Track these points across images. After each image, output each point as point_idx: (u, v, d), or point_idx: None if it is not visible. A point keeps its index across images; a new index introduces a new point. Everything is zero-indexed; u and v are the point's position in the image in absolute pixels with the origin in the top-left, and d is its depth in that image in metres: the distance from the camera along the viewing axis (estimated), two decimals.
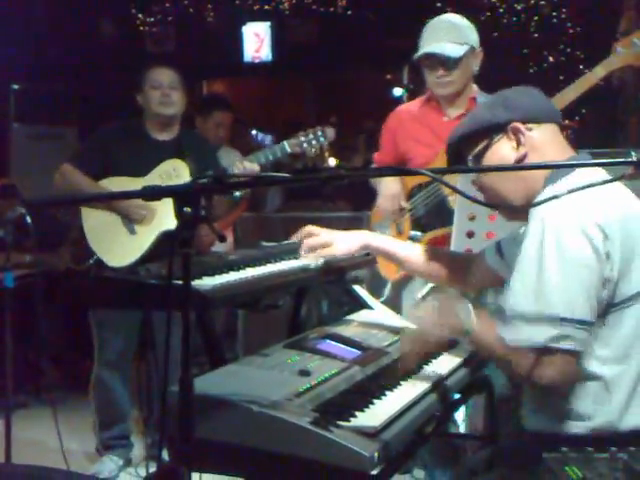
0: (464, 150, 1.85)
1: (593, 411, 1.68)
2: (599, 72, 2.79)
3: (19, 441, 3.01)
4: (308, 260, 2.10)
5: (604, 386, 1.68)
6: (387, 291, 3.16)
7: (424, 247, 2.31)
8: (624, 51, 2.76)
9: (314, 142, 3.30)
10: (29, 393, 4.55)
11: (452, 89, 2.94)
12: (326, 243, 2.09)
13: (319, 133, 3.31)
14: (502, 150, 1.79)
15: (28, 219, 2.89)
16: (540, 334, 1.61)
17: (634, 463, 1.39)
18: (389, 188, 3.03)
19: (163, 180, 3.31)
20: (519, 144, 1.78)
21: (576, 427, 1.69)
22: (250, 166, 3.25)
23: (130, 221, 3.29)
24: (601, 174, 1.69)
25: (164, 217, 3.24)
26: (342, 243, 2.10)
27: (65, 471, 2.61)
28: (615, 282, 1.64)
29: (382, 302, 2.90)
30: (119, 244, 3.27)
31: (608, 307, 1.66)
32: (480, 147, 1.81)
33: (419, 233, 3.00)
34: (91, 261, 3.29)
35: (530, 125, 1.78)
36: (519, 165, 1.79)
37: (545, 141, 1.78)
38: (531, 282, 1.63)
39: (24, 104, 7.04)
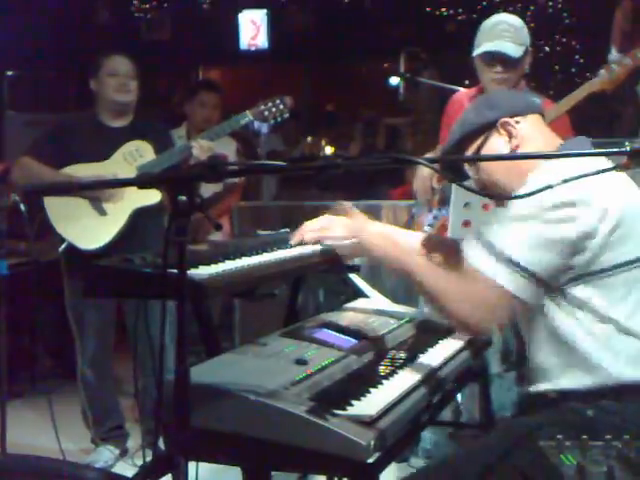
0: (459, 152, 1.94)
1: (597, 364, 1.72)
2: (580, 94, 2.86)
3: (14, 430, 3.01)
4: (306, 247, 2.10)
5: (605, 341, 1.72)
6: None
7: (424, 235, 2.31)
8: (604, 75, 2.85)
9: (274, 109, 3.34)
10: (24, 382, 4.54)
11: (506, 86, 2.95)
12: (325, 226, 2.10)
13: (277, 101, 3.35)
14: (496, 145, 1.89)
15: (22, 207, 2.88)
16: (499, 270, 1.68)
17: (628, 450, 1.39)
18: (422, 169, 3.16)
19: (128, 162, 3.29)
20: (511, 137, 1.87)
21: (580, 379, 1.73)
22: (205, 144, 3.23)
23: (98, 201, 3.24)
24: (601, 162, 1.72)
25: (133, 193, 3.22)
26: (340, 228, 2.10)
27: (61, 460, 2.62)
28: (598, 248, 1.69)
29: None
30: (91, 226, 3.21)
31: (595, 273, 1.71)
32: (474, 147, 1.91)
33: (440, 211, 3.11)
34: (60, 250, 3.25)
35: (517, 118, 1.88)
36: (520, 154, 1.87)
37: (534, 131, 1.89)
38: (505, 224, 1.72)
39: (18, 91, 7.01)
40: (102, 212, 3.24)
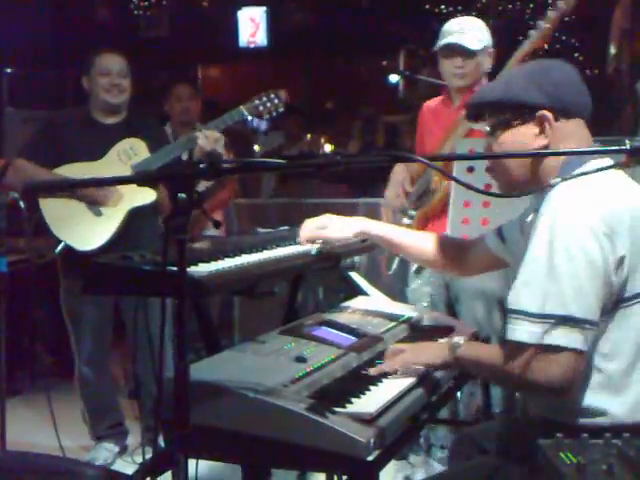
0: (485, 114, 1.79)
1: (600, 405, 1.65)
2: (516, 58, 2.92)
3: (13, 428, 3.01)
4: (305, 245, 2.11)
5: (608, 382, 1.64)
6: (395, 265, 3.24)
7: (421, 233, 2.31)
8: (534, 34, 2.92)
9: (268, 104, 3.32)
10: (23, 380, 4.54)
11: (467, 80, 3.09)
12: (323, 225, 2.11)
13: (272, 96, 3.33)
14: (524, 134, 1.72)
15: (21, 204, 2.87)
16: (548, 332, 1.56)
17: (628, 449, 1.39)
18: (395, 173, 3.24)
19: (122, 161, 3.27)
20: (542, 133, 1.71)
21: (583, 421, 1.66)
22: (212, 134, 3.22)
23: (95, 204, 3.24)
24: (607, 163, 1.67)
25: (128, 193, 3.22)
26: (338, 227, 2.11)
27: (60, 458, 2.61)
28: (624, 278, 1.61)
29: (390, 274, 3.13)
30: (87, 228, 3.20)
31: (617, 303, 1.63)
32: (502, 120, 1.74)
33: (414, 212, 3.18)
34: (56, 251, 3.24)
35: (560, 117, 1.71)
36: (516, 153, 1.75)
37: (569, 135, 1.71)
38: (539, 281, 1.59)
39: (17, 88, 7.00)
40: (98, 213, 3.23)
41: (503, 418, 2.74)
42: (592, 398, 1.65)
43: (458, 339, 1.80)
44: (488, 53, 3.11)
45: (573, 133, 1.72)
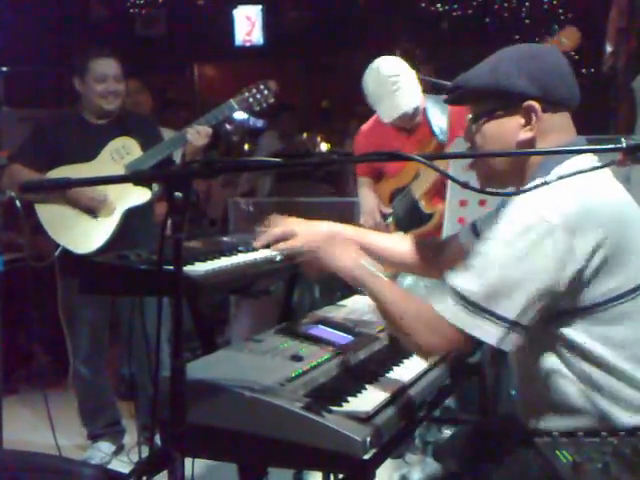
0: (469, 100, 1.73)
1: (583, 407, 1.61)
2: None
3: (10, 427, 3.01)
4: (267, 252, 1.97)
5: (592, 383, 1.60)
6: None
7: (395, 236, 2.27)
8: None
9: (258, 96, 3.29)
10: (20, 379, 4.54)
11: (415, 121, 3.19)
12: (288, 234, 1.93)
13: (261, 87, 3.31)
14: (509, 125, 1.65)
15: (18, 203, 2.87)
16: (459, 316, 1.54)
17: (624, 447, 1.40)
18: (367, 204, 3.31)
19: (115, 160, 3.26)
20: (528, 124, 1.64)
21: (567, 421, 1.62)
22: (203, 130, 3.21)
23: (90, 213, 3.24)
24: (591, 161, 1.62)
25: (121, 195, 3.22)
26: (306, 234, 1.91)
27: (57, 457, 2.61)
28: (592, 279, 1.54)
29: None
30: (83, 231, 3.21)
31: (598, 305, 1.56)
32: (486, 109, 1.67)
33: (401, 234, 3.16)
34: (55, 255, 3.25)
35: (548, 108, 1.63)
36: (506, 151, 1.69)
37: (556, 128, 1.65)
38: (476, 263, 1.56)
39: (13, 87, 6.98)
40: (94, 215, 3.24)
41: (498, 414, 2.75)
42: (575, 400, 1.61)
43: (367, 262, 1.72)
44: (409, 81, 3.15)
45: (559, 126, 1.66)
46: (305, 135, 7.21)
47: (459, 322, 1.54)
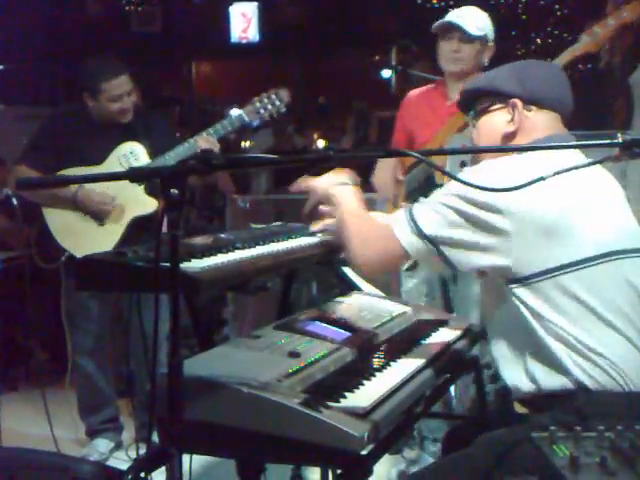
0: (471, 102, 1.95)
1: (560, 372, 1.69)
2: (564, 59, 2.88)
3: (9, 423, 3.01)
4: (266, 248, 2.05)
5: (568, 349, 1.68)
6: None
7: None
8: (586, 39, 2.87)
9: (269, 107, 3.25)
10: (18, 376, 4.54)
11: (462, 66, 3.04)
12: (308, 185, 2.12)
13: (273, 96, 3.26)
14: (496, 119, 1.88)
15: (14, 201, 2.87)
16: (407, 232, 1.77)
17: (621, 441, 1.40)
18: (382, 162, 3.16)
19: (122, 165, 3.25)
20: (512, 120, 1.85)
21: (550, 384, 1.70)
22: (211, 141, 3.16)
23: (96, 218, 3.25)
24: (576, 156, 1.74)
25: (129, 203, 3.23)
26: (322, 180, 2.08)
27: (55, 453, 2.62)
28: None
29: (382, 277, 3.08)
30: (90, 237, 3.22)
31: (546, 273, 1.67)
32: (482, 106, 1.91)
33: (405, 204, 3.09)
34: (62, 259, 3.24)
35: (531, 107, 1.84)
36: (497, 147, 1.87)
37: (539, 126, 1.84)
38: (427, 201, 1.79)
39: (9, 85, 6.97)
40: (100, 223, 3.25)
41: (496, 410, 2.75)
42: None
43: (345, 179, 1.98)
44: (488, 46, 3.06)
45: (543, 125, 1.84)
46: (292, 128, 7.12)
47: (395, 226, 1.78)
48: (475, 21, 3.02)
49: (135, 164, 3.24)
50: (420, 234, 1.74)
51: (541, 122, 1.84)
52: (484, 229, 1.70)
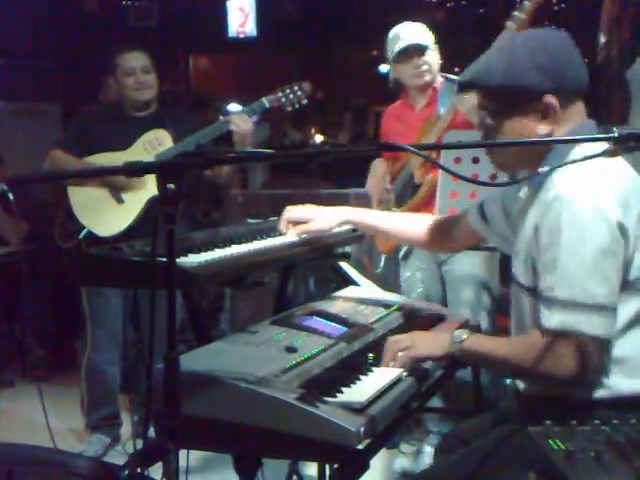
0: (483, 96, 1.72)
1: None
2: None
3: (5, 419, 3.01)
4: (288, 237, 2.12)
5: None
6: (382, 263, 3.32)
7: (405, 215, 2.33)
8: (511, 25, 3.03)
9: (292, 96, 3.35)
10: (15, 371, 4.54)
11: (427, 77, 3.17)
12: (304, 219, 2.11)
13: (295, 88, 3.36)
14: (527, 122, 1.67)
15: (10, 196, 2.86)
16: (569, 318, 1.55)
17: (616, 435, 1.40)
18: (376, 169, 3.34)
19: (147, 151, 3.35)
20: (546, 119, 1.66)
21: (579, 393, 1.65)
22: (242, 116, 3.25)
23: (118, 189, 3.30)
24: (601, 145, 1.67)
25: (150, 182, 3.24)
26: (321, 219, 2.12)
27: (52, 449, 2.61)
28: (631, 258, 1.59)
29: (378, 273, 3.24)
30: (108, 214, 3.30)
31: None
32: (504, 106, 1.67)
33: (396, 209, 3.22)
34: (80, 236, 3.30)
35: (565, 102, 1.66)
36: (505, 141, 1.74)
37: (571, 117, 1.68)
38: (560, 268, 1.57)
39: (6, 80, 6.95)
40: (120, 200, 3.32)
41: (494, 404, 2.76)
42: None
43: (459, 332, 1.77)
44: (435, 50, 3.20)
45: (574, 114, 1.69)
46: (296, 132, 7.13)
47: (566, 326, 1.55)
48: (421, 32, 3.16)
49: (160, 149, 3.33)
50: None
51: (572, 112, 1.68)
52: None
